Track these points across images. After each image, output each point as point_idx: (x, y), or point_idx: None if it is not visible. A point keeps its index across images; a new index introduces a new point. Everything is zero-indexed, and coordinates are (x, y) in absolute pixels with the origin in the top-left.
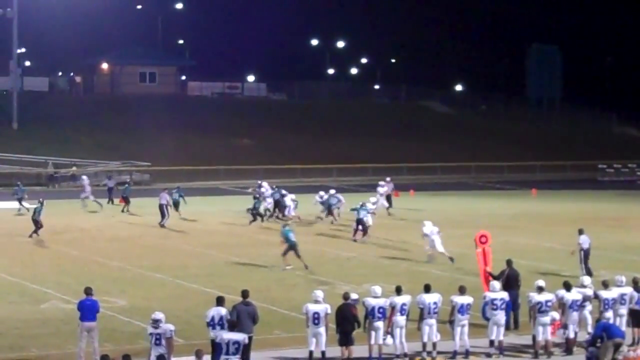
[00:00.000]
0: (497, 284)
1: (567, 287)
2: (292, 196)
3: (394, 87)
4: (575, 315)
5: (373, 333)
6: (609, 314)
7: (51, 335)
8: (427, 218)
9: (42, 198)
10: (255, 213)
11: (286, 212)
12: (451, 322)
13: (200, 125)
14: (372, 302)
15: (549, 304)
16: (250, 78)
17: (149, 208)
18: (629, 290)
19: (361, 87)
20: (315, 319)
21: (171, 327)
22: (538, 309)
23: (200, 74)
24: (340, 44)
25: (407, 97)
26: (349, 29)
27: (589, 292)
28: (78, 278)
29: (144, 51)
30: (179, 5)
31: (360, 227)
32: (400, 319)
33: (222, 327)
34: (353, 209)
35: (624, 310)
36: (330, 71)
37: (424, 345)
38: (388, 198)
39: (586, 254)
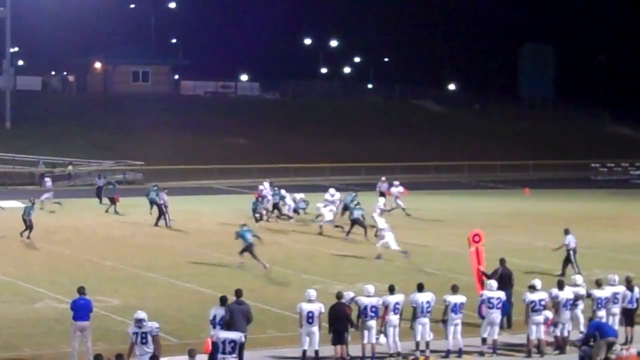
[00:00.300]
0: (494, 283)
1: (560, 285)
2: (302, 195)
3: (387, 86)
4: (567, 314)
5: (366, 332)
6: (602, 312)
7: (44, 334)
8: (421, 217)
9: (33, 197)
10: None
11: (285, 210)
12: (444, 321)
13: (194, 124)
14: (364, 301)
15: (543, 302)
16: (244, 77)
17: (143, 207)
18: (621, 289)
19: (354, 86)
20: (310, 317)
21: (156, 324)
22: (531, 308)
23: (194, 73)
24: (334, 43)
25: (401, 96)
26: (342, 28)
27: (582, 290)
28: (71, 277)
29: (137, 50)
30: (172, 5)
31: (354, 226)
32: (394, 318)
33: (222, 327)
34: (345, 209)
35: (616, 309)
36: (324, 70)
37: (417, 344)
38: (382, 197)
39: (574, 252)
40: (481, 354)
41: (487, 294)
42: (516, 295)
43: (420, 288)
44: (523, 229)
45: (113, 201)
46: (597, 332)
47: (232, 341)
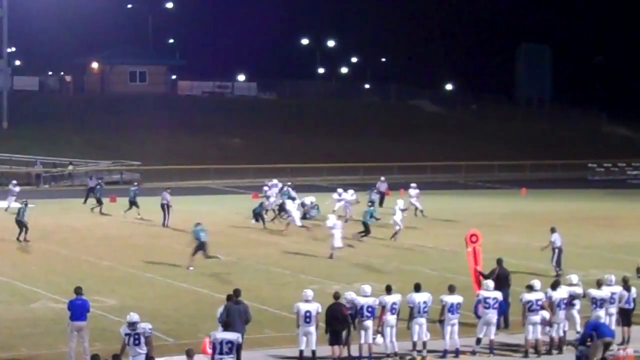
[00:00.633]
0: (490, 283)
1: (554, 285)
2: (312, 199)
3: (384, 86)
4: (561, 313)
5: (363, 332)
6: (600, 313)
7: (41, 334)
8: (418, 217)
9: (26, 199)
10: (257, 214)
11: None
12: (441, 322)
13: (191, 124)
14: (361, 301)
15: (540, 302)
16: (241, 77)
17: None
18: (618, 289)
19: (351, 87)
20: (307, 317)
21: (149, 325)
22: (528, 308)
23: (191, 73)
24: (331, 44)
25: (397, 97)
26: (339, 29)
27: (578, 290)
28: (68, 277)
29: (135, 50)
30: (169, 5)
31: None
32: (391, 318)
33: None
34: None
35: (613, 309)
36: (321, 70)
37: (414, 344)
38: (382, 197)
39: (560, 251)
40: (473, 353)
41: (483, 293)
42: (513, 295)
43: (417, 288)
44: (520, 229)
45: (100, 201)
46: (594, 332)
47: (229, 342)
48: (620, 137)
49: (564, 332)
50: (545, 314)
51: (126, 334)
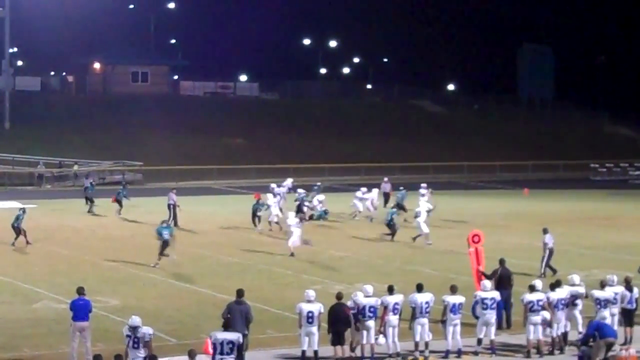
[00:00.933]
0: (488, 283)
1: (552, 286)
2: (321, 197)
3: (386, 86)
4: (560, 314)
5: (364, 332)
6: (605, 313)
7: (43, 335)
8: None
9: (23, 206)
10: (254, 213)
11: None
12: (443, 322)
13: (193, 124)
14: (363, 301)
15: (541, 303)
16: (243, 78)
17: (142, 208)
18: (620, 289)
19: (353, 87)
20: (310, 318)
21: (150, 330)
22: (529, 308)
23: (193, 73)
24: (333, 44)
25: (399, 97)
26: (341, 29)
27: (581, 290)
28: (70, 278)
29: (136, 51)
30: (172, 5)
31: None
32: (393, 319)
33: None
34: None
35: (616, 310)
36: (323, 71)
37: (416, 344)
38: (386, 197)
39: (551, 252)
40: (475, 353)
41: (480, 294)
42: (515, 295)
43: (420, 288)
44: (522, 230)
45: (92, 201)
46: (596, 333)
47: (230, 342)
48: (622, 138)
49: (565, 332)
50: (547, 314)
51: (127, 336)
